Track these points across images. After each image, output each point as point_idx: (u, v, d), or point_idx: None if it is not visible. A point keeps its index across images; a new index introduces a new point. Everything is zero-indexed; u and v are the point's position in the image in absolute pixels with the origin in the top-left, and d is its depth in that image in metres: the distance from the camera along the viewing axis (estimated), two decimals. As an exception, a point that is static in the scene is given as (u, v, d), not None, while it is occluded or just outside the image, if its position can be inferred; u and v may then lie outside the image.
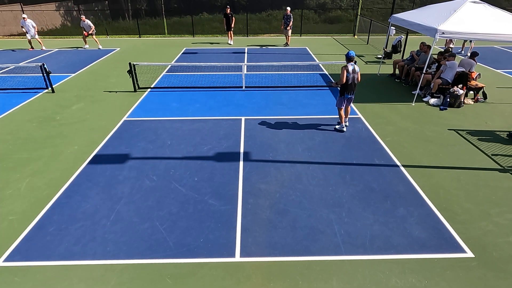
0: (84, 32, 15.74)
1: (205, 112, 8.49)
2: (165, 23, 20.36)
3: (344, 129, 7.38)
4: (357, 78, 6.95)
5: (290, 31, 16.33)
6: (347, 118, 7.50)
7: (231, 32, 16.67)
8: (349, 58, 6.80)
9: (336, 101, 7.36)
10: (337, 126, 7.51)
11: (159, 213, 4.92)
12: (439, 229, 4.60)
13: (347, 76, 6.81)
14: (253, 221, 4.77)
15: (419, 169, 6.01)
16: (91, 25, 15.50)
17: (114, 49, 15.80)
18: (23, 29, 15.23)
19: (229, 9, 16.12)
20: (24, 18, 15.06)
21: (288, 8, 16.03)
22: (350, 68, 6.81)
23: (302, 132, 7.39)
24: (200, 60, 13.60)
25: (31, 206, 5.11)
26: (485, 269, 4.00)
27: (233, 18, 16.34)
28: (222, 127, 7.67)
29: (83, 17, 15.57)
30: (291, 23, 16.05)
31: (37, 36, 15.45)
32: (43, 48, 15.69)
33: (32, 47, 15.69)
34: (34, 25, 15.36)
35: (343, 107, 7.27)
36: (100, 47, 15.93)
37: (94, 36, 15.78)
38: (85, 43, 16.03)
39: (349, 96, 7.08)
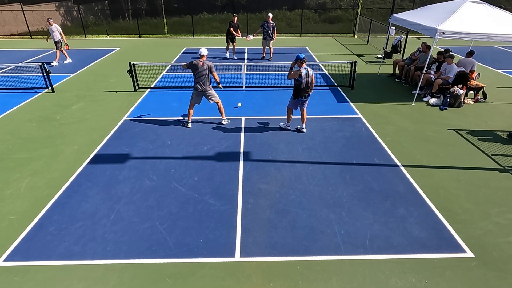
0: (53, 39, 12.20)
1: (205, 112, 8.48)
2: (165, 23, 20.36)
3: (289, 128, 7.45)
4: (311, 82, 6.73)
5: (272, 43, 13.21)
6: (304, 124, 7.31)
7: (234, 43, 13.73)
8: (301, 61, 6.54)
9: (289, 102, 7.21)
10: (281, 124, 7.56)
11: (159, 213, 4.92)
12: (439, 229, 4.60)
13: (299, 80, 6.60)
14: (253, 221, 4.77)
15: (419, 169, 6.01)
16: (55, 32, 11.98)
17: (114, 49, 15.80)
18: None
19: (236, 18, 13.29)
20: None
21: (270, 15, 12.95)
22: (303, 72, 6.57)
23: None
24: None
25: (31, 206, 5.11)
26: (485, 269, 4.00)
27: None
28: (222, 127, 7.68)
29: (51, 20, 12.11)
30: (275, 33, 13.03)
31: None
32: None
33: None
34: None
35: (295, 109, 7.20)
36: (54, 63, 12.68)
37: (57, 50, 12.54)
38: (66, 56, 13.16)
39: (302, 100, 6.93)
